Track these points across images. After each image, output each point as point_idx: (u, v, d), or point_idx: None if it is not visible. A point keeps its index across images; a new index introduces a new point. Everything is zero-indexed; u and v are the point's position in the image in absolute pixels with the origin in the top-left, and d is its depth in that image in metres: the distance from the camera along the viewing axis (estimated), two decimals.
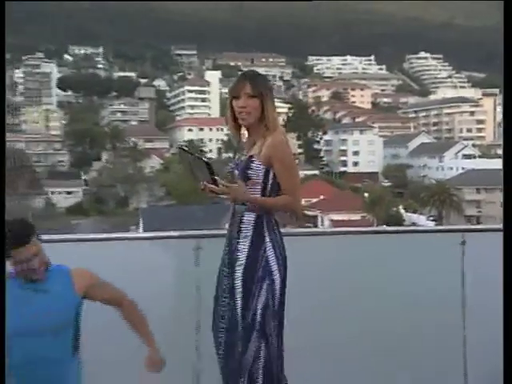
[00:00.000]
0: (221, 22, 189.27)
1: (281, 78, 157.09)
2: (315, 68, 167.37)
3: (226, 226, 3.58)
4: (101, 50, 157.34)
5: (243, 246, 3.31)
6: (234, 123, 3.39)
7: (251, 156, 3.31)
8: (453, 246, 4.13)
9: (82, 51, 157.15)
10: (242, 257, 3.30)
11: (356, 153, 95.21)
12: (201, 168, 3.24)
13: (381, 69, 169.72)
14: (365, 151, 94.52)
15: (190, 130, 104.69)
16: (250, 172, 3.30)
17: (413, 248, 4.40)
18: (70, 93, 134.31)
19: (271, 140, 3.30)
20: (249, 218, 3.33)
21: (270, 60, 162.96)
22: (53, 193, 73.59)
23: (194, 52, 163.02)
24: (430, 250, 4.27)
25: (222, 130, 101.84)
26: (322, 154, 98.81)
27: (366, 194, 64.03)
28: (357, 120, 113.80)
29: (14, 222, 3.00)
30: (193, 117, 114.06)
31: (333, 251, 4.40)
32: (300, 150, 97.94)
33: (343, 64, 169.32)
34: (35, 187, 72.50)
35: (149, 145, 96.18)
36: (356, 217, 54.99)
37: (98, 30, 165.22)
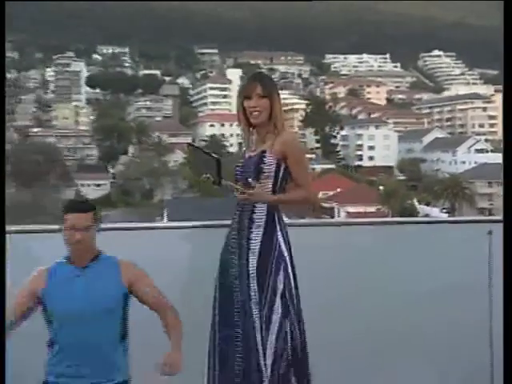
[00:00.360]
0: (240, 22, 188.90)
1: (299, 75, 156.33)
2: (332, 66, 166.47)
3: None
4: (127, 49, 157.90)
5: (256, 235, 3.34)
6: (246, 122, 3.45)
7: (263, 151, 3.36)
8: (478, 237, 3.97)
9: (110, 51, 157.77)
10: (256, 245, 3.34)
11: (371, 147, 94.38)
12: (209, 164, 3.32)
13: (395, 66, 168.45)
14: (380, 146, 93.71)
15: (211, 125, 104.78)
16: (263, 166, 3.34)
17: (433, 239, 4.28)
18: (98, 90, 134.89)
19: (284, 137, 3.39)
20: (261, 208, 3.37)
21: (289, 58, 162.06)
22: (82, 185, 74.13)
23: (216, 51, 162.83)
24: (451, 242, 4.14)
25: (240, 125, 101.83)
26: (338, 148, 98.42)
27: (381, 187, 63.75)
28: (372, 116, 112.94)
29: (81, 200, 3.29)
30: (215, 113, 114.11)
31: (350, 242, 4.27)
32: (317, 145, 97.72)
33: (359, 62, 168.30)
34: (66, 180, 73.06)
35: (173, 139, 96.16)
36: (371, 209, 54.66)
37: (124, 30, 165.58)
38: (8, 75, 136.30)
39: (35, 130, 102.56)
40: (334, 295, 4.00)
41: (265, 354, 3.25)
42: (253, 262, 3.32)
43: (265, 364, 3.23)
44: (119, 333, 3.10)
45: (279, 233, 3.38)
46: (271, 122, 3.41)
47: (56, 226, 3.49)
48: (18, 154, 76.63)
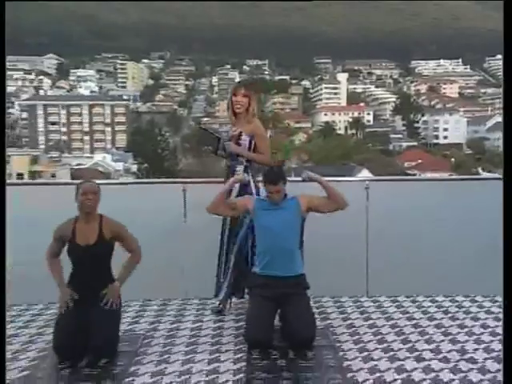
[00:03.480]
0: (346, 38, 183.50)
1: (391, 77, 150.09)
2: (416, 69, 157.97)
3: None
4: (266, 61, 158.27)
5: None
6: (232, 110, 3.95)
7: (240, 132, 3.90)
8: None
9: (254, 63, 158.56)
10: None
11: (446, 129, 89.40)
12: (212, 140, 3.93)
13: (466, 68, 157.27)
14: (452, 128, 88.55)
15: (325, 114, 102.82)
16: (240, 141, 3.90)
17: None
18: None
19: (253, 124, 3.93)
20: (240, 168, 3.90)
21: (383, 64, 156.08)
22: None
23: (329, 61, 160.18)
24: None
25: (347, 114, 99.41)
26: (420, 130, 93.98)
27: (453, 159, 60.56)
28: (447, 106, 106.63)
29: (274, 168, 3.63)
30: (327, 105, 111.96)
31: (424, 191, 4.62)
32: (403, 128, 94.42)
33: (437, 65, 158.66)
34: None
35: (297, 125, 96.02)
36: (445, 175, 51.89)
37: (264, 48, 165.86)
38: (188, 82, 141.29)
39: (205, 119, 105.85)
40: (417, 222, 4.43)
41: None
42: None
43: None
44: (298, 242, 3.47)
45: (252, 181, 3.88)
46: (247, 113, 3.87)
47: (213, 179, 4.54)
48: (194, 135, 79.51)
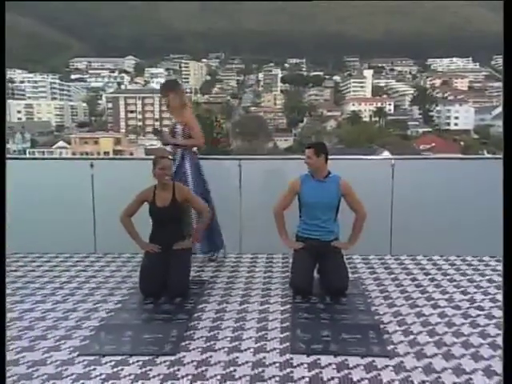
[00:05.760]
0: (371, 40, 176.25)
1: (410, 72, 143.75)
2: (432, 66, 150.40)
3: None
4: (304, 60, 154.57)
5: (190, 164, 3.79)
6: (168, 107, 3.83)
7: (175, 123, 3.81)
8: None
9: (293, 61, 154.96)
10: (189, 172, 3.77)
11: (456, 117, 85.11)
12: (159, 135, 3.86)
13: (475, 65, 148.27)
14: (462, 116, 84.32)
15: (353, 104, 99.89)
16: (176, 130, 3.81)
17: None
18: (287, 85, 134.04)
19: (184, 114, 3.79)
20: (189, 152, 3.81)
21: (403, 62, 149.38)
22: (277, 140, 75.30)
23: (357, 59, 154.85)
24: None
25: (371, 104, 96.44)
26: (434, 118, 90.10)
27: (462, 143, 57.92)
28: (458, 97, 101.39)
29: (318, 142, 3.58)
30: (355, 97, 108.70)
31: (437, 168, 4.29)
32: (420, 116, 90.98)
33: (450, 62, 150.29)
34: (268, 136, 74.65)
35: (329, 113, 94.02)
36: (455, 156, 49.78)
37: (302, 48, 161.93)
38: (239, 78, 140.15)
39: (252, 108, 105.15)
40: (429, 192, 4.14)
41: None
42: (189, 174, 3.76)
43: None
44: (334, 215, 3.37)
45: (200, 162, 3.85)
46: (181, 107, 3.76)
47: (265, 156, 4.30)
48: (243, 122, 79.40)
